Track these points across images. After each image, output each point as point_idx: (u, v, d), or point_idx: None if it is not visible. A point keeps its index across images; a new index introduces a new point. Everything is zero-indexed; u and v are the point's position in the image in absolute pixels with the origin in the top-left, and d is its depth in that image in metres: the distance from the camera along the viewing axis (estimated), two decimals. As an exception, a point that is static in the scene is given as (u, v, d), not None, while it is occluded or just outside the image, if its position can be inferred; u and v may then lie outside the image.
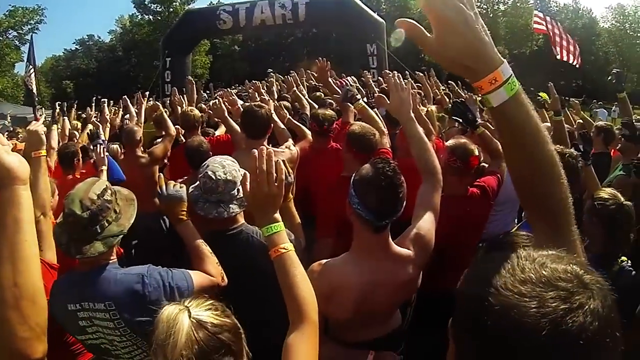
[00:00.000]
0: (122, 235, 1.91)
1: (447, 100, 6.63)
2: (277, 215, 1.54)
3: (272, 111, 3.80)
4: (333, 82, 5.50)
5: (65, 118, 6.56)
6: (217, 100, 4.17)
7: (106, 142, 4.93)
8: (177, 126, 5.08)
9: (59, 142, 5.23)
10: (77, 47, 53.71)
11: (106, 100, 6.73)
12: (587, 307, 0.70)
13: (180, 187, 2.29)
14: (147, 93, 7.49)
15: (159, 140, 5.06)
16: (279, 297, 1.47)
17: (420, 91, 6.90)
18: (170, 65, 19.20)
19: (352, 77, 9.12)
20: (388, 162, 1.91)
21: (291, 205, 2.44)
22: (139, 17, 46.94)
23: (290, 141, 3.74)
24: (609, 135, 5.09)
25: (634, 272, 2.36)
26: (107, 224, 1.86)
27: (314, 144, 3.98)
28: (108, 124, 5.90)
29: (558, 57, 11.42)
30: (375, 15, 18.35)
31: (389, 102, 2.63)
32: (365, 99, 4.29)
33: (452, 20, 0.93)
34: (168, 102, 7.61)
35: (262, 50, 47.77)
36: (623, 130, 4.51)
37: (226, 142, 4.19)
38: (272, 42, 48.63)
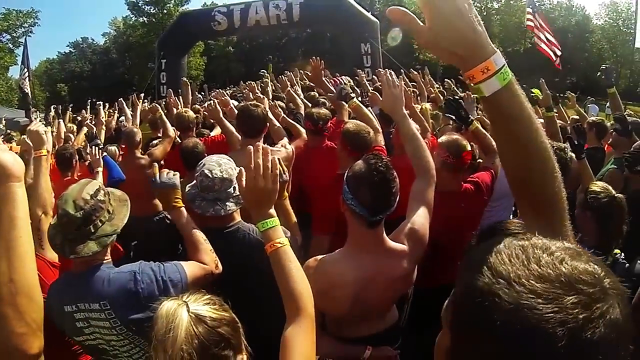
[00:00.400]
0: (115, 235, 1.92)
1: (442, 98, 6.66)
2: (273, 211, 1.57)
3: (268, 110, 3.81)
4: (327, 81, 5.51)
5: (61, 121, 6.54)
6: (212, 102, 4.18)
7: (101, 144, 4.95)
8: (172, 127, 5.10)
9: (54, 145, 5.23)
10: (71, 50, 53.67)
11: (102, 102, 6.72)
12: (608, 316, 0.65)
13: (174, 175, 2.30)
14: (142, 95, 7.49)
15: (155, 142, 5.07)
16: (275, 293, 1.49)
17: (414, 89, 6.93)
18: (165, 67, 19.21)
19: (346, 76, 9.14)
20: (380, 157, 1.93)
21: (286, 203, 2.46)
22: (133, 19, 46.76)
23: (286, 140, 3.75)
24: (601, 129, 5.12)
25: (627, 265, 2.38)
26: (100, 224, 1.87)
27: (309, 142, 4.00)
28: (103, 126, 5.91)
29: (546, 48, 11.59)
30: (369, 14, 18.39)
31: (381, 99, 2.65)
32: (359, 98, 4.30)
33: (445, 9, 0.92)
34: (164, 103, 7.61)
35: (257, 51, 47.78)
36: (615, 124, 4.54)
37: (221, 143, 4.21)
38: (267, 42, 48.64)
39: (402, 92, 2.56)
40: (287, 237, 1.59)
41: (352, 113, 3.99)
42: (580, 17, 46.04)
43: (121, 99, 7.58)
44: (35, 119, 9.31)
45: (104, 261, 1.92)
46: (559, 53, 12.57)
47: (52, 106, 9.15)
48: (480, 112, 5.61)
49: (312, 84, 7.20)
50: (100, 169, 3.90)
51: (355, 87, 7.44)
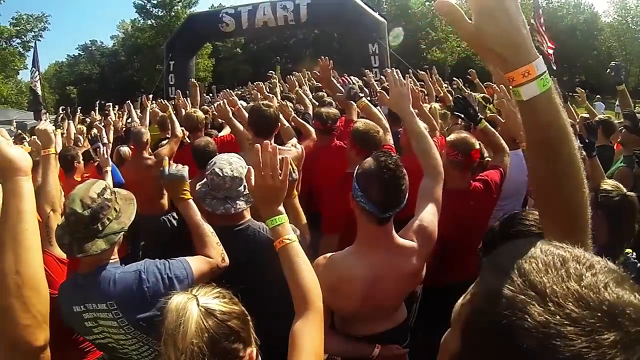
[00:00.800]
0: (123, 233, 1.94)
1: (450, 97, 6.64)
2: (281, 208, 1.60)
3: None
4: (335, 81, 5.52)
5: (71, 122, 6.61)
6: (221, 102, 4.21)
7: (110, 144, 4.99)
8: (181, 128, 5.14)
9: (64, 146, 5.29)
10: (79, 52, 54.04)
11: (111, 104, 6.77)
12: None
13: (183, 167, 2.31)
14: (151, 96, 7.54)
15: (164, 142, 5.11)
16: (285, 290, 1.51)
17: (422, 89, 6.92)
18: (173, 68, 19.28)
19: (354, 76, 9.15)
20: (390, 155, 1.93)
21: (296, 201, 2.47)
22: (141, 21, 46.97)
23: (295, 140, 3.77)
24: (608, 127, 5.08)
25: (639, 264, 2.36)
26: (108, 222, 1.89)
27: (318, 142, 4.01)
28: (112, 127, 5.96)
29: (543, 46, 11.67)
30: (376, 14, 18.35)
31: (388, 97, 2.66)
32: (367, 98, 4.30)
33: (494, 7, 0.92)
34: (172, 105, 7.66)
35: (265, 52, 47.88)
36: (624, 121, 4.50)
37: (229, 143, 4.23)
38: (274, 43, 48.69)
39: (409, 91, 2.56)
40: (297, 235, 1.60)
41: (361, 112, 3.99)
42: (588, 15, 45.62)
43: (129, 101, 7.63)
44: (45, 120, 9.39)
45: (111, 260, 1.94)
46: (550, 51, 12.62)
47: (62, 108, 9.21)
48: (488, 111, 5.60)
49: (320, 85, 7.23)
50: (109, 169, 3.93)
51: (364, 87, 7.44)
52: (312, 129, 4.14)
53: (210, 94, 11.66)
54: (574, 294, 0.59)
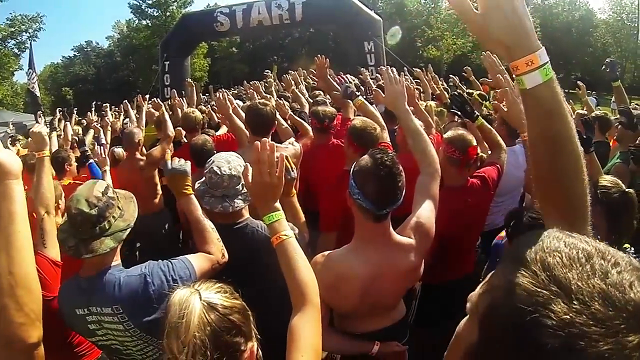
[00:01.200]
0: (129, 230, 1.95)
1: (446, 95, 6.65)
2: (278, 205, 1.62)
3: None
4: (332, 79, 5.53)
5: (68, 123, 6.59)
6: (220, 95, 4.21)
7: (107, 145, 4.98)
8: (178, 127, 5.13)
9: (60, 147, 5.29)
10: (75, 53, 53.98)
11: (108, 104, 6.76)
12: None
13: (185, 162, 2.32)
14: (147, 97, 7.53)
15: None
16: (283, 287, 1.52)
17: (418, 87, 6.93)
18: (169, 68, 19.28)
19: (350, 75, 9.16)
20: (386, 152, 1.94)
21: (295, 200, 2.47)
22: (136, 22, 46.94)
23: (293, 139, 3.77)
24: (603, 123, 5.10)
25: (638, 260, 2.36)
26: (113, 220, 1.90)
27: (315, 140, 4.02)
28: (109, 128, 5.95)
29: None
30: (372, 12, 18.38)
31: (384, 95, 2.66)
32: (363, 96, 4.31)
33: None
34: (168, 105, 7.65)
35: (260, 52, 47.90)
36: (620, 117, 4.51)
37: (227, 142, 4.23)
38: (270, 42, 48.73)
39: (404, 88, 2.57)
40: (295, 233, 1.62)
41: (358, 111, 3.99)
42: (584, 12, 45.76)
43: (126, 101, 7.62)
44: (41, 122, 9.36)
45: (114, 263, 1.94)
46: None
47: (58, 109, 9.18)
48: (485, 108, 5.61)
49: (315, 84, 7.23)
50: (107, 168, 3.94)
51: (360, 86, 7.45)
52: (309, 127, 4.14)
53: (207, 94, 11.63)
54: (600, 293, 0.58)
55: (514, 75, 1.00)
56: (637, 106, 7.17)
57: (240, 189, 2.33)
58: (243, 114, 3.86)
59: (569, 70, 39.55)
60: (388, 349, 2.09)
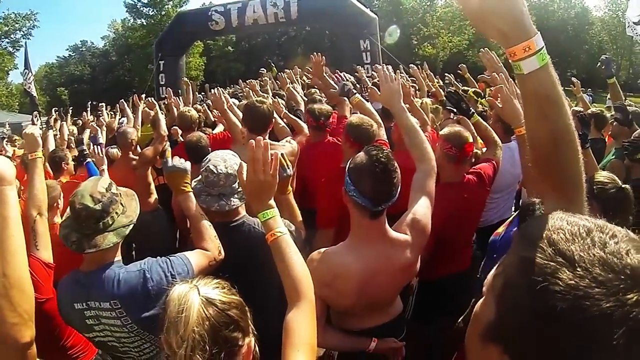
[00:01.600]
0: (132, 225, 1.97)
1: (442, 92, 6.67)
2: (272, 202, 1.64)
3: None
4: (328, 77, 5.53)
5: (64, 123, 6.58)
6: (215, 91, 4.21)
7: (103, 144, 4.97)
8: (175, 126, 5.12)
9: (57, 147, 5.27)
10: (70, 53, 53.66)
11: (104, 104, 6.74)
12: None
13: (185, 161, 2.35)
14: (143, 96, 7.51)
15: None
16: (279, 285, 1.53)
17: (414, 84, 6.94)
18: (164, 67, 19.21)
19: (345, 73, 9.17)
20: (381, 149, 1.94)
21: (291, 198, 2.47)
22: (131, 21, 46.76)
23: (289, 137, 3.77)
24: (599, 120, 5.12)
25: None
26: (117, 216, 1.93)
27: (311, 138, 4.02)
28: (104, 127, 5.94)
29: None
30: (367, 11, 18.32)
31: (379, 93, 2.67)
32: (359, 94, 4.31)
33: None
34: (164, 104, 7.63)
35: (256, 50, 47.76)
36: (616, 113, 4.53)
37: (223, 140, 4.22)
38: (266, 41, 48.66)
39: (400, 86, 2.58)
40: (292, 231, 1.63)
41: (355, 109, 4.00)
42: (579, 9, 45.92)
43: (122, 100, 7.60)
44: (37, 121, 9.34)
45: (115, 259, 1.96)
46: None
47: (54, 109, 9.16)
48: (480, 105, 5.62)
49: (310, 82, 7.23)
50: (105, 167, 3.94)
51: (356, 84, 7.45)
52: (304, 125, 4.15)
53: (203, 93, 11.62)
54: (599, 260, 0.66)
55: (510, 62, 1.02)
56: (632, 103, 7.19)
57: (237, 187, 2.34)
58: (239, 112, 3.86)
59: (565, 68, 39.64)
60: (385, 346, 2.10)
